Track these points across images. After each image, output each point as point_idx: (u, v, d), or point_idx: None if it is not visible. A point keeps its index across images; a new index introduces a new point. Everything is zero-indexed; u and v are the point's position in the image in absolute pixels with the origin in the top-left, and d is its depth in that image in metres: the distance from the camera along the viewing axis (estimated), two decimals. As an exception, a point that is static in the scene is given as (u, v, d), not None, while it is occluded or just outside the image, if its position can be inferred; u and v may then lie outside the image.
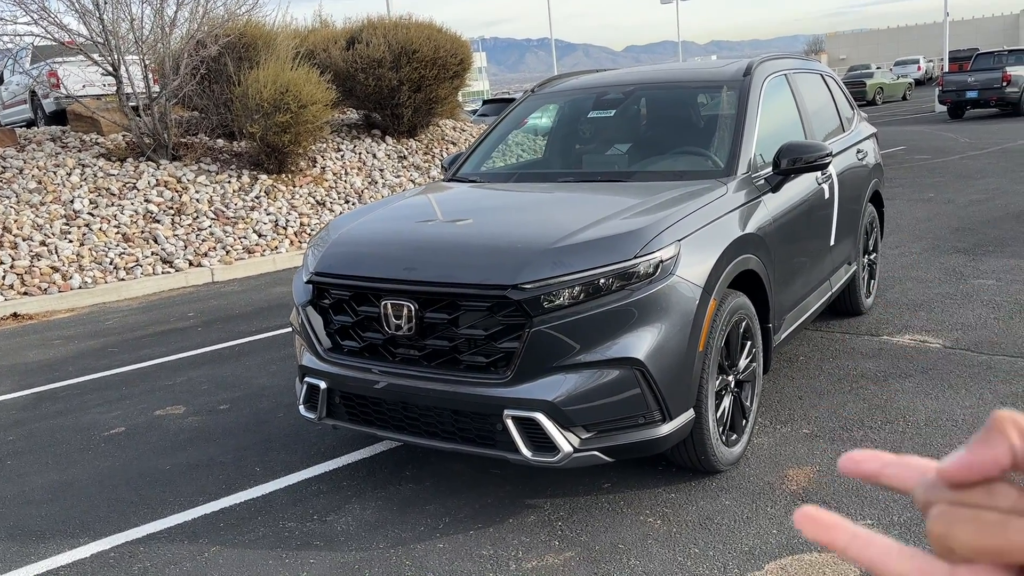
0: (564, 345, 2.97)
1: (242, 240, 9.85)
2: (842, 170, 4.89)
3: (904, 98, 35.39)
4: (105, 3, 10.15)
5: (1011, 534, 0.38)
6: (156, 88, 10.73)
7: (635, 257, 3.02)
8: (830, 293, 4.81)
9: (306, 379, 3.54)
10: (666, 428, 3.05)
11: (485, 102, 22.21)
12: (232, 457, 4.13)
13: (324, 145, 12.26)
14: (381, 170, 12.40)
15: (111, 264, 8.87)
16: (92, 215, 9.41)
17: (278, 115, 10.49)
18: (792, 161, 3.90)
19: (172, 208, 9.92)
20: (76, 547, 3.35)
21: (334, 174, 11.81)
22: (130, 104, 10.55)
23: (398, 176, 12.44)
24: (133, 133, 10.62)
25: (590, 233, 3.15)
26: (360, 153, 12.59)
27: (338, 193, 11.44)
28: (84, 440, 4.54)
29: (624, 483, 3.49)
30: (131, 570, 3.14)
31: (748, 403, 3.65)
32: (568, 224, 3.26)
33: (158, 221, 9.66)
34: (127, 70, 10.44)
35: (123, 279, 8.76)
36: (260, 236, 10.04)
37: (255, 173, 11.02)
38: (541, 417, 2.95)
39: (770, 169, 3.98)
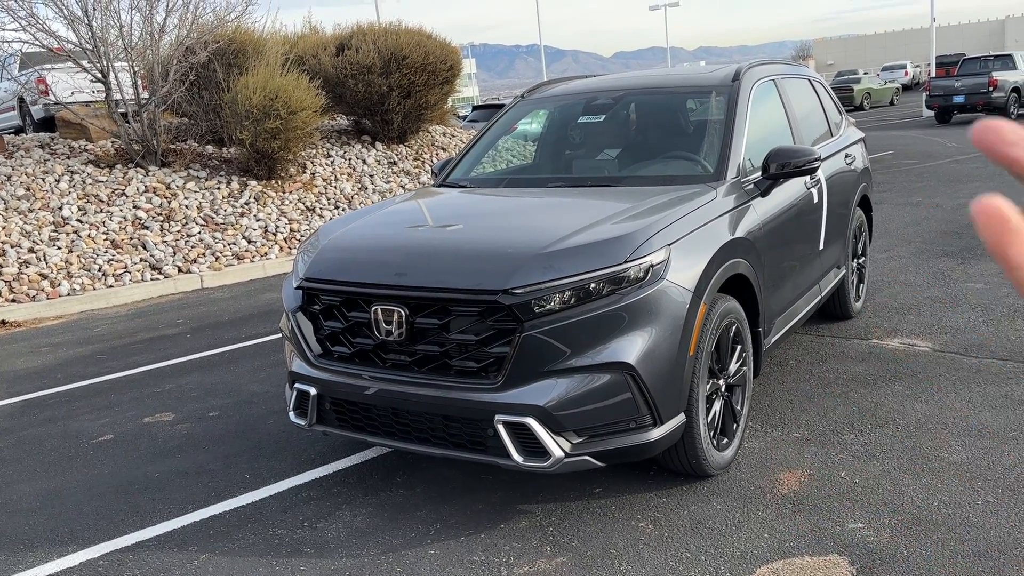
0: (555, 350, 2.97)
1: (231, 246, 9.82)
2: (831, 175, 4.91)
3: (891, 103, 35.63)
4: (94, 10, 10.13)
5: None
6: (145, 94, 10.70)
7: (625, 261, 3.02)
8: (820, 297, 4.83)
9: (296, 385, 3.52)
10: (657, 432, 3.05)
11: (475, 108, 22.27)
12: (222, 464, 4.11)
13: (314, 151, 12.25)
14: (371, 176, 12.39)
15: (100, 271, 8.83)
16: (81, 222, 9.37)
17: (268, 121, 10.47)
18: (781, 166, 3.92)
19: (161, 214, 9.89)
20: (64, 555, 3.32)
21: (324, 180, 11.79)
22: (119, 111, 10.52)
23: (388, 182, 12.43)
24: (122, 139, 10.57)
25: (580, 238, 3.15)
26: (350, 159, 12.58)
27: (328, 199, 11.43)
28: (72, 448, 4.51)
29: (615, 488, 3.49)
30: (120, 579, 3.12)
31: (739, 407, 3.66)
32: (558, 229, 3.26)
33: (147, 227, 9.62)
34: (116, 76, 10.43)
35: (112, 286, 8.72)
36: (250, 242, 10.01)
37: (244, 179, 10.99)
38: (532, 422, 2.94)
39: (759, 174, 3.99)
